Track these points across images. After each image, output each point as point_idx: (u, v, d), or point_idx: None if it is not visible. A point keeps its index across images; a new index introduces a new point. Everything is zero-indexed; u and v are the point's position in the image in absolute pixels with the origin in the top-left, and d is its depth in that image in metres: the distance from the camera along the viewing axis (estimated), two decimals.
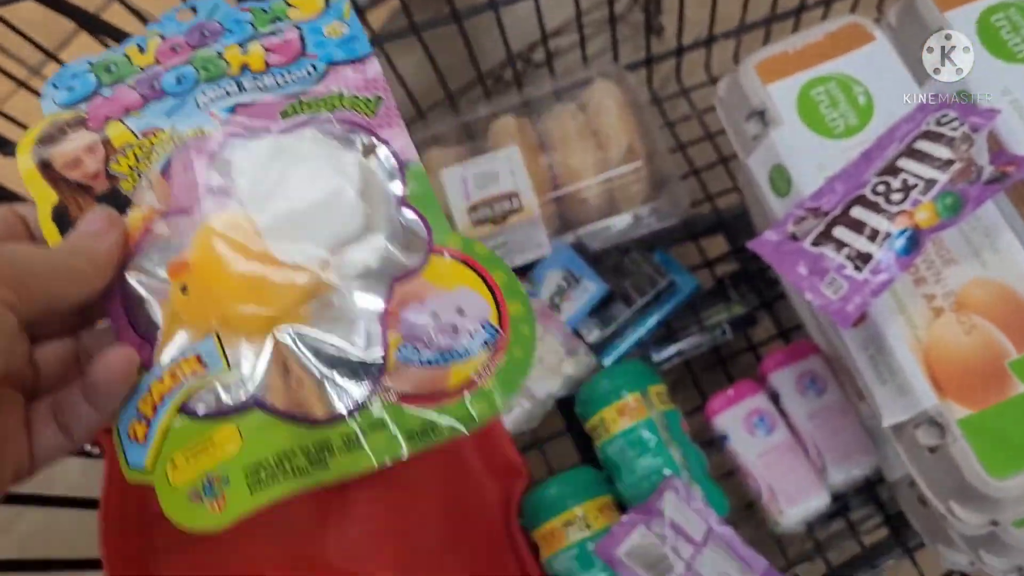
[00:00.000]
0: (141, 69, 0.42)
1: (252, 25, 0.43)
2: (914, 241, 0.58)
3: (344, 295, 0.36)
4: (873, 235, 0.58)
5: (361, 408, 0.35)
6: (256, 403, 0.35)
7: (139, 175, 0.38)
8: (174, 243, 0.37)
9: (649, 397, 0.78)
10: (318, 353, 0.35)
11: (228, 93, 0.40)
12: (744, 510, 0.83)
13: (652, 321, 0.86)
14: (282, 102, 0.40)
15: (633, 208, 0.85)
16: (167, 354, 0.35)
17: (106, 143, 0.39)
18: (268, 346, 0.35)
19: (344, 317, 0.36)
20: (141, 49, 0.43)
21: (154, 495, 0.33)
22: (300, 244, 0.36)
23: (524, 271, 0.87)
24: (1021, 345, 0.56)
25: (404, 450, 0.35)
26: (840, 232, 0.60)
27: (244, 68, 0.41)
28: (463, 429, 0.35)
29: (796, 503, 0.74)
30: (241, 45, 0.42)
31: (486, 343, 0.36)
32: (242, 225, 0.36)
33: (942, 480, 0.57)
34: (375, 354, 0.36)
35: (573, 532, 0.74)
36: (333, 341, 0.35)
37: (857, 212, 0.60)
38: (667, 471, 0.75)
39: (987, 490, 0.54)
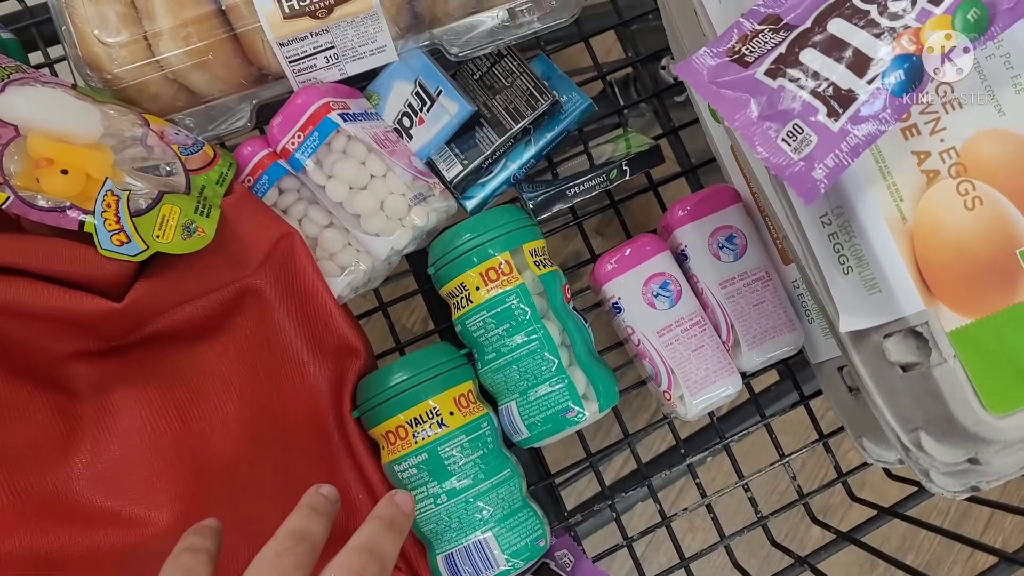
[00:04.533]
0: None
1: None
2: (917, 74, 0.40)
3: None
4: (859, 63, 0.40)
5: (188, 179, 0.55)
6: (160, 195, 0.52)
7: None
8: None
9: (523, 256, 0.60)
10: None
11: None
12: (634, 387, 0.69)
13: (529, 153, 0.66)
14: None
15: (507, 1, 0.62)
16: (97, 202, 0.50)
17: None
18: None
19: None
20: None
21: None
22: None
23: (365, 78, 0.65)
24: None
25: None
26: (810, 57, 0.41)
27: None
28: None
29: (702, 391, 0.60)
30: None
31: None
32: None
33: (913, 407, 0.43)
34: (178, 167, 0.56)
35: (423, 431, 0.58)
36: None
37: (837, 26, 0.41)
38: (545, 353, 0.58)
39: (978, 428, 0.40)
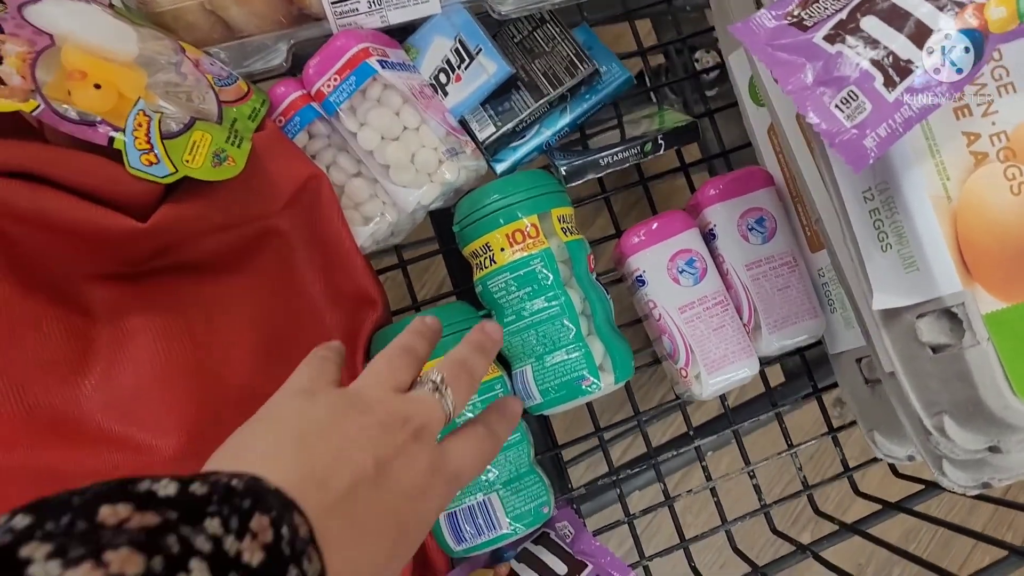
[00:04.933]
0: None
1: None
2: (978, 50, 0.39)
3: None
4: (920, 34, 0.39)
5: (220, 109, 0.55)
6: (192, 120, 0.52)
7: None
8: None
9: (550, 221, 0.59)
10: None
11: None
12: (646, 366, 0.68)
13: (564, 121, 0.66)
14: None
15: None
16: (128, 120, 0.49)
17: None
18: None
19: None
20: None
21: None
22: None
23: (403, 33, 0.64)
24: None
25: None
26: (871, 24, 0.40)
27: None
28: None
29: (719, 371, 0.59)
30: None
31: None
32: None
33: (939, 390, 0.42)
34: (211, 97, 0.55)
35: None
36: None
37: None
38: (564, 320, 0.58)
39: (1005, 413, 0.39)
